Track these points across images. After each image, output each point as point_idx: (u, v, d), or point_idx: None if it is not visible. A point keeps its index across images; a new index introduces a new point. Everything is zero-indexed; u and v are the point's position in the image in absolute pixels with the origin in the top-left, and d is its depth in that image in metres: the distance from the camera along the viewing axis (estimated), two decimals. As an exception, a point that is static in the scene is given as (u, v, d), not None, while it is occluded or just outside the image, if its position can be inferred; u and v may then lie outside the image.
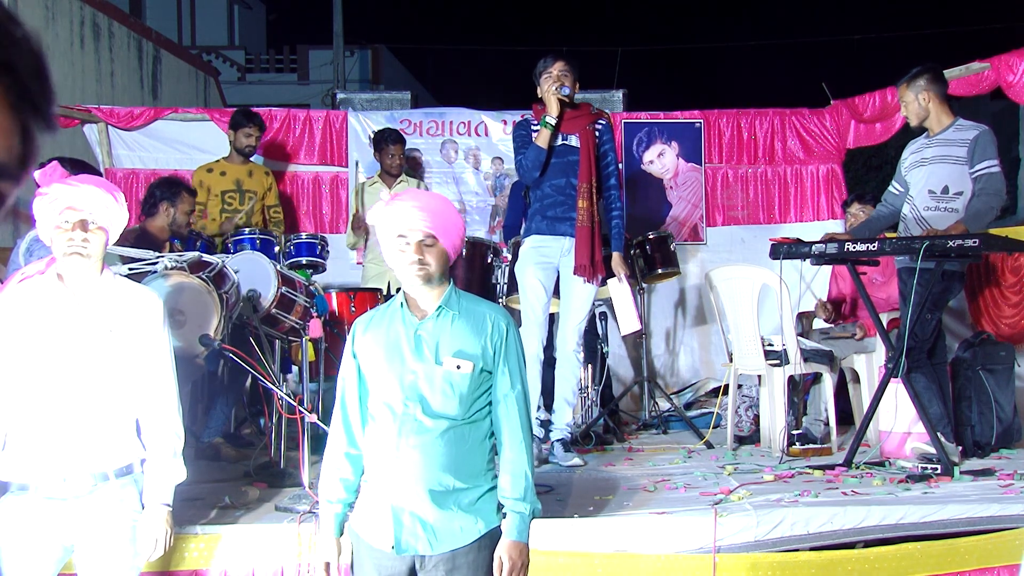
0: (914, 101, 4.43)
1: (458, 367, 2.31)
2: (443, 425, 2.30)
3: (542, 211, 4.55)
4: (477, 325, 2.35)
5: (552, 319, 4.77)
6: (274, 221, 6.14)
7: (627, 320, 4.73)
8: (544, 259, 4.52)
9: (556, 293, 4.63)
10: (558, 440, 4.49)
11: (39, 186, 2.60)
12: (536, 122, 4.57)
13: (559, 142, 4.51)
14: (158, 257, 3.78)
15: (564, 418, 4.55)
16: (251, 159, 6.24)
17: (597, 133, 4.58)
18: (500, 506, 2.37)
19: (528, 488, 2.34)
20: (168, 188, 4.89)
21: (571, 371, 4.55)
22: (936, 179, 4.40)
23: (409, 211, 2.29)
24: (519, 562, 2.30)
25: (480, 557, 2.29)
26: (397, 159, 6.13)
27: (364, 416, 2.41)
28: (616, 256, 4.67)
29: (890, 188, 4.70)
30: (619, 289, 4.70)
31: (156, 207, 4.80)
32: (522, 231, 4.72)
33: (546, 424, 4.79)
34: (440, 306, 2.35)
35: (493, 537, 2.33)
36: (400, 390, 2.32)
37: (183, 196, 4.85)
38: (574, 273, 4.47)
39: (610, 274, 4.67)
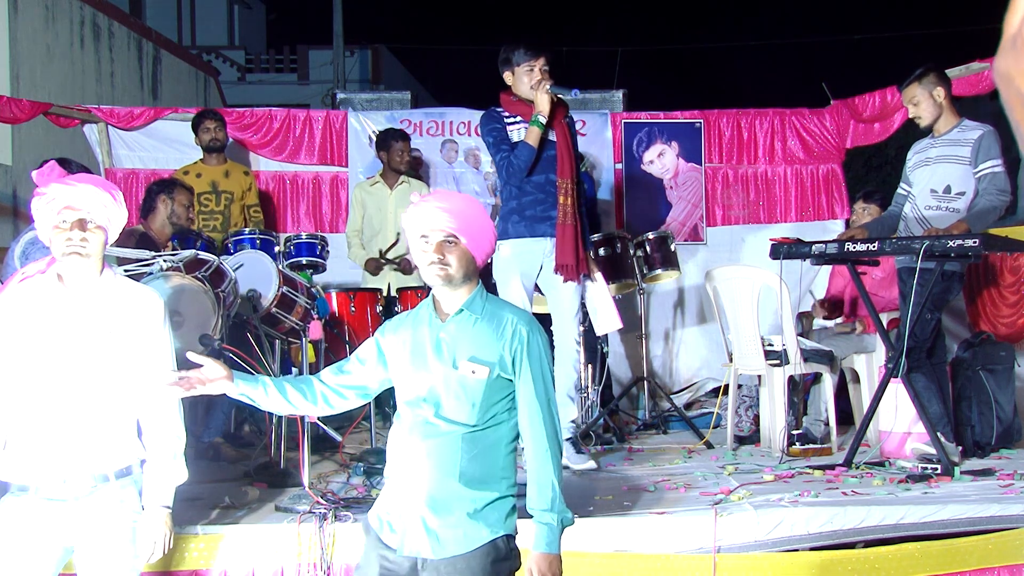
0: (928, 98, 4.38)
1: (473, 372, 2.28)
2: (455, 429, 2.28)
3: (520, 211, 4.36)
4: (497, 330, 2.32)
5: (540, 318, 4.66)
6: (254, 221, 6.15)
7: (605, 319, 4.57)
8: (527, 264, 4.37)
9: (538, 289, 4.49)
10: (567, 440, 4.29)
11: (37, 186, 2.60)
12: (507, 113, 4.39)
13: None
14: (153, 257, 3.78)
15: (568, 416, 4.37)
16: (227, 158, 6.25)
17: (569, 126, 4.42)
18: (509, 514, 2.32)
19: (556, 498, 2.29)
20: (163, 183, 5.07)
21: (571, 365, 4.39)
22: (939, 179, 4.39)
23: (432, 211, 2.30)
24: (549, 574, 2.27)
25: (480, 565, 2.26)
26: (406, 155, 6.11)
27: (339, 386, 2.46)
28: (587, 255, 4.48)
29: (898, 190, 4.68)
30: (593, 288, 4.54)
31: (154, 202, 4.88)
32: (499, 232, 4.47)
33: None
34: (461, 308, 2.33)
35: (497, 546, 2.28)
36: (418, 391, 2.32)
37: (179, 189, 4.95)
38: (555, 272, 4.33)
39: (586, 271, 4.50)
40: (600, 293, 4.55)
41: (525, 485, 2.37)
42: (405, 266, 5.92)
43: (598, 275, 4.54)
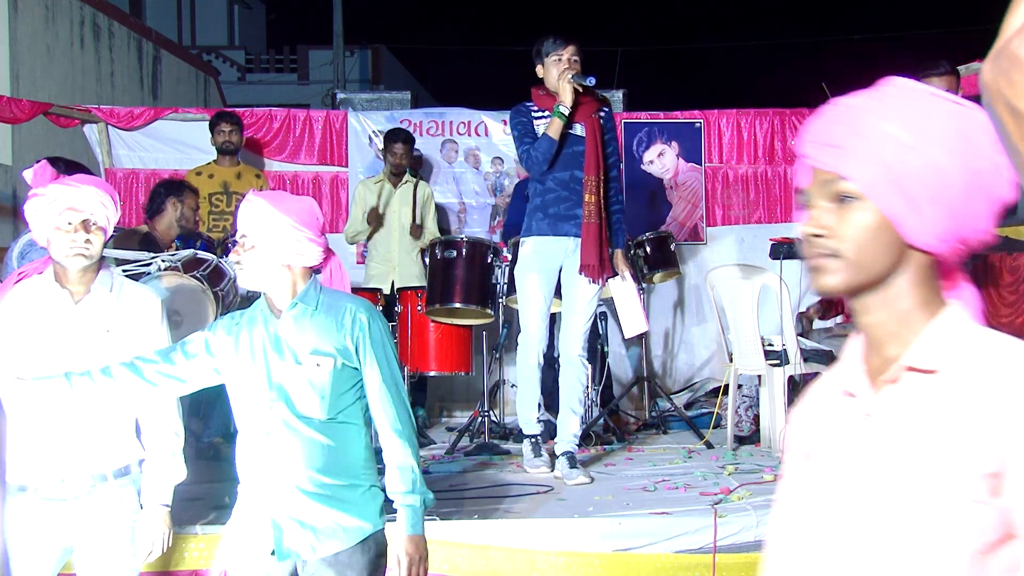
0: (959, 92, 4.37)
1: (318, 365, 2.26)
2: (311, 425, 2.26)
3: (543, 208, 4.26)
4: (336, 320, 2.30)
5: (553, 318, 4.64)
6: None
7: (632, 321, 4.51)
8: (546, 263, 4.28)
9: (557, 293, 4.42)
10: (564, 454, 4.21)
11: (31, 187, 2.60)
12: (536, 107, 4.30)
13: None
14: (152, 258, 3.78)
15: (570, 429, 4.26)
16: (240, 160, 6.26)
17: (602, 121, 4.30)
18: (382, 508, 2.32)
19: (416, 479, 2.28)
20: (172, 185, 5.01)
21: (576, 377, 4.31)
22: None
23: (240, 209, 2.35)
24: (417, 556, 2.25)
25: (364, 560, 2.25)
26: (400, 158, 6.10)
27: (157, 373, 2.41)
28: (618, 253, 4.39)
29: None
30: (622, 288, 4.44)
31: (163, 204, 4.84)
32: (522, 230, 4.46)
33: (546, 424, 4.74)
34: (295, 302, 2.31)
35: (377, 540, 2.29)
36: (264, 392, 2.29)
37: (187, 192, 4.94)
38: (580, 272, 4.22)
39: (612, 273, 4.41)
40: (628, 294, 4.46)
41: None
42: (415, 231, 6.00)
43: (628, 275, 4.43)
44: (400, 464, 2.29)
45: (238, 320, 2.40)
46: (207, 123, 6.64)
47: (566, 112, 4.14)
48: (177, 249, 4.76)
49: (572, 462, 4.18)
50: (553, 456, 4.31)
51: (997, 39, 0.77)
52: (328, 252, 2.41)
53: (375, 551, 2.28)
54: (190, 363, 2.42)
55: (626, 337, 5.09)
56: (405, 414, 2.34)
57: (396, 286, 5.84)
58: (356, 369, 2.31)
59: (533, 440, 4.37)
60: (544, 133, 4.18)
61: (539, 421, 4.45)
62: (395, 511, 2.29)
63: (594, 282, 4.24)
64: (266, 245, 2.28)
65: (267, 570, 2.27)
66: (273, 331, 2.32)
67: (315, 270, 2.41)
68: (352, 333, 2.29)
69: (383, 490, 2.34)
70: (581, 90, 4.17)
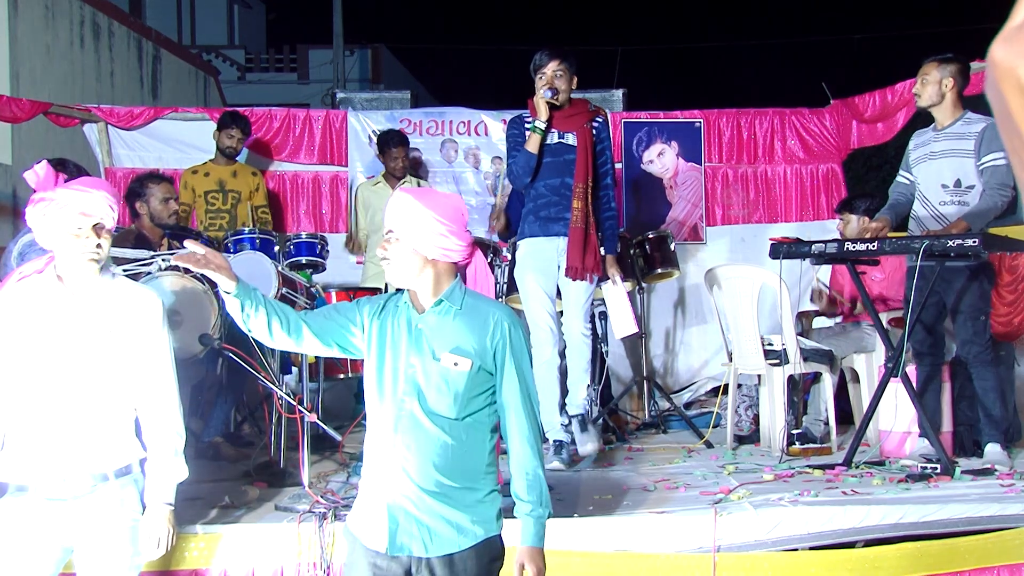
0: (936, 83, 4.31)
1: (455, 364, 2.26)
2: (439, 423, 2.26)
3: (535, 211, 4.46)
4: (479, 323, 2.31)
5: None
6: (261, 222, 6.11)
7: (622, 323, 4.62)
8: (541, 262, 4.43)
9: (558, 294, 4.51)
10: (575, 416, 4.27)
11: (36, 190, 2.60)
12: (531, 119, 4.46)
13: (555, 140, 4.43)
14: (152, 257, 3.78)
15: (580, 394, 4.37)
16: (236, 160, 6.25)
17: (594, 131, 4.48)
18: (499, 512, 2.32)
19: (544, 491, 2.31)
20: (136, 186, 4.84)
21: (580, 353, 4.39)
22: (948, 173, 4.35)
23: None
24: (542, 567, 2.29)
25: (479, 564, 2.25)
26: (401, 161, 6.17)
27: (314, 331, 2.37)
28: (610, 258, 4.57)
29: (899, 179, 4.61)
30: (614, 292, 4.60)
31: (135, 208, 4.79)
32: (517, 233, 4.61)
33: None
34: (440, 299, 2.31)
35: (491, 544, 2.28)
36: (397, 383, 2.29)
37: (148, 187, 4.76)
38: (565, 274, 4.39)
39: (604, 277, 4.57)
40: (619, 297, 4.60)
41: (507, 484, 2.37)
42: None
43: (619, 280, 4.59)
44: (530, 475, 2.31)
45: (381, 305, 2.40)
46: (207, 122, 6.64)
47: (541, 127, 4.38)
48: (170, 244, 4.74)
49: (583, 425, 4.26)
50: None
51: (1009, 20, 0.75)
52: (473, 250, 2.42)
53: (490, 556, 2.28)
54: (354, 333, 2.38)
55: (616, 338, 5.14)
56: (536, 427, 2.36)
57: (392, 286, 5.85)
58: (491, 374, 2.32)
59: (557, 444, 4.31)
60: (523, 148, 4.42)
61: (562, 427, 4.35)
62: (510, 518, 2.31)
63: (577, 280, 4.37)
64: (410, 238, 2.30)
65: (383, 564, 2.25)
66: (415, 325, 2.32)
67: (460, 269, 2.41)
68: (493, 339, 2.30)
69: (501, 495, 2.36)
70: (558, 103, 4.38)
